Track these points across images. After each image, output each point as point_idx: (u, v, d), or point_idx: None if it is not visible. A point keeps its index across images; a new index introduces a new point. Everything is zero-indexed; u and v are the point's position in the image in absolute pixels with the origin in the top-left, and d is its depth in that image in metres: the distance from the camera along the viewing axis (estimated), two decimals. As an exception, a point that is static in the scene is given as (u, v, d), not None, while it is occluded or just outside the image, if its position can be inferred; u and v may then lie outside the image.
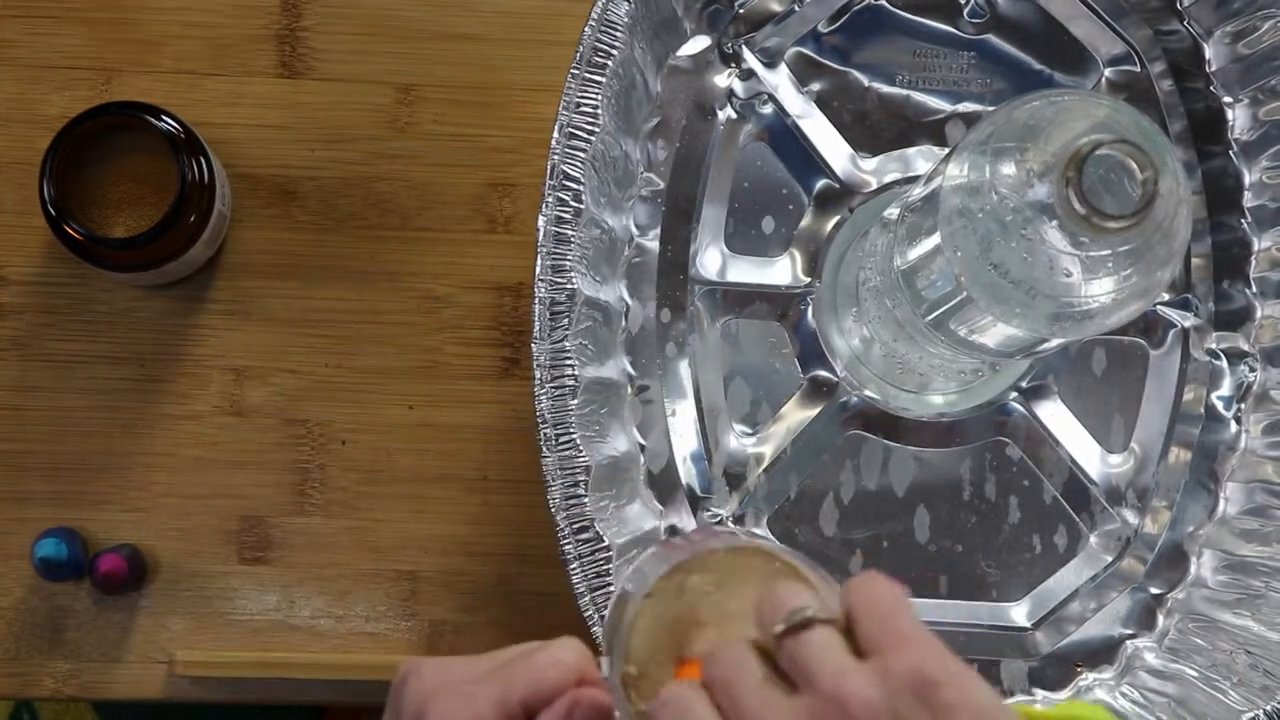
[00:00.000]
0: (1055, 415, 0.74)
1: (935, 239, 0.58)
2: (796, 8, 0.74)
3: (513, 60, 0.77)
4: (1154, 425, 0.75)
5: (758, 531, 0.73)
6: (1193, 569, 0.73)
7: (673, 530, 0.71)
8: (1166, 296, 0.75)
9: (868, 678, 0.41)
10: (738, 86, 0.74)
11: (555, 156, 0.65)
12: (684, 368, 0.73)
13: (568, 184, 0.65)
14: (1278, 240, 0.73)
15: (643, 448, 0.71)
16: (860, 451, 0.74)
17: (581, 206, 0.65)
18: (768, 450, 0.73)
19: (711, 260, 0.73)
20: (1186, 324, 0.75)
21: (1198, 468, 0.74)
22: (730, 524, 0.64)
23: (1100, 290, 0.56)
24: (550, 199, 0.65)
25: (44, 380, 0.75)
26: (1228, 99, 0.74)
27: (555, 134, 0.65)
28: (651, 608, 0.48)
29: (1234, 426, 0.74)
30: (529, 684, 0.48)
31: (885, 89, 0.75)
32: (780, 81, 0.74)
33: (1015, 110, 0.56)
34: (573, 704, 0.47)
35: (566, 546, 0.65)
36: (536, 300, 0.65)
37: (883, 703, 0.41)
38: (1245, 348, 0.74)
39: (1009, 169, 0.55)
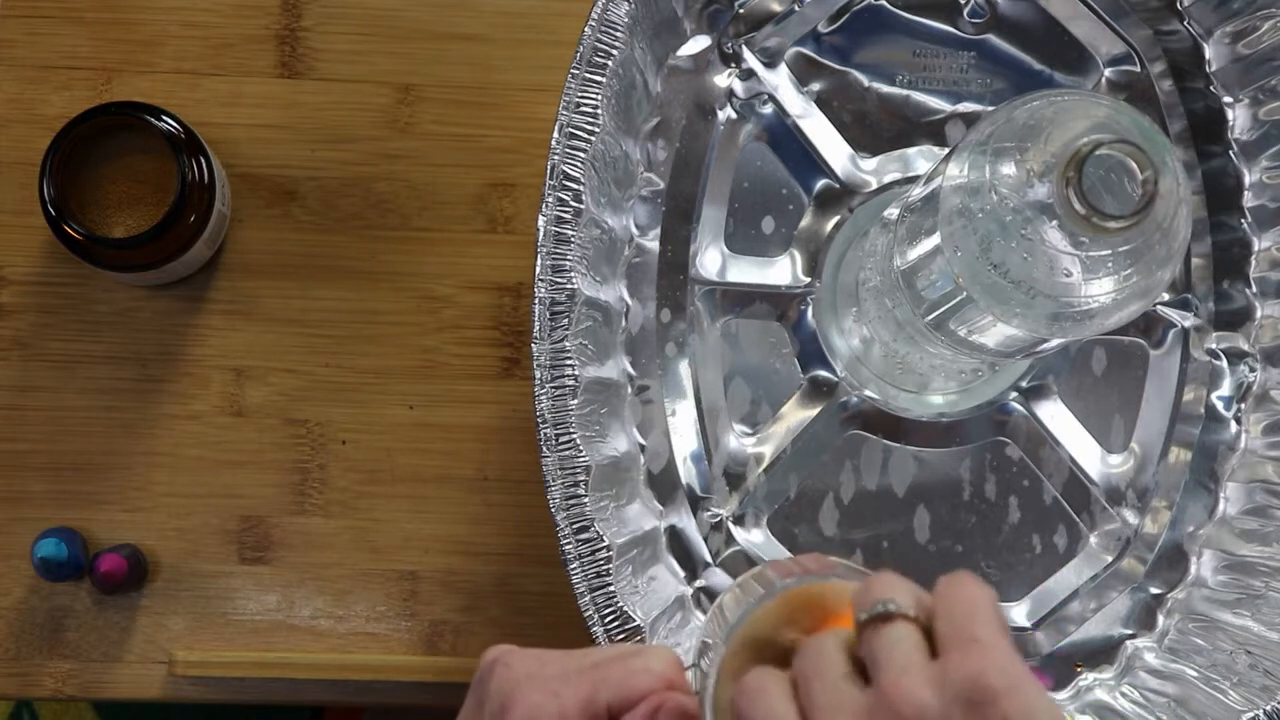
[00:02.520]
0: (1055, 415, 0.74)
1: (935, 239, 0.58)
2: (796, 8, 0.74)
3: (513, 60, 0.77)
4: (1154, 425, 0.75)
5: (756, 532, 0.73)
6: (1193, 569, 0.73)
7: (672, 530, 0.71)
8: (1166, 296, 0.75)
9: (927, 678, 0.41)
10: (738, 86, 0.74)
11: (555, 156, 0.65)
12: (684, 368, 0.73)
13: (568, 184, 0.65)
14: (1278, 240, 0.73)
15: (643, 448, 0.71)
16: (860, 451, 0.74)
17: (581, 206, 0.65)
18: (768, 450, 0.73)
19: (711, 260, 0.73)
20: (1186, 324, 0.75)
21: (1198, 468, 0.74)
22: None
23: (1100, 290, 0.56)
24: (550, 199, 0.65)
25: (44, 380, 0.75)
26: (1228, 99, 0.74)
27: (555, 134, 0.65)
28: (767, 610, 0.48)
29: (1234, 426, 0.74)
30: (617, 688, 0.47)
31: (885, 89, 0.75)
32: (780, 81, 0.74)
33: (1015, 110, 0.56)
34: (657, 707, 0.46)
35: (566, 546, 0.65)
36: (536, 300, 0.65)
37: (935, 705, 0.40)
38: (1245, 348, 0.74)
39: (1009, 169, 0.55)
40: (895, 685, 0.41)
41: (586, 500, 0.65)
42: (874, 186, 0.74)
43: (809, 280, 0.74)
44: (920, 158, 0.75)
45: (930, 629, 0.42)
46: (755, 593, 0.49)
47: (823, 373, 0.74)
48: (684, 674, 0.48)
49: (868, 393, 0.74)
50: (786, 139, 0.74)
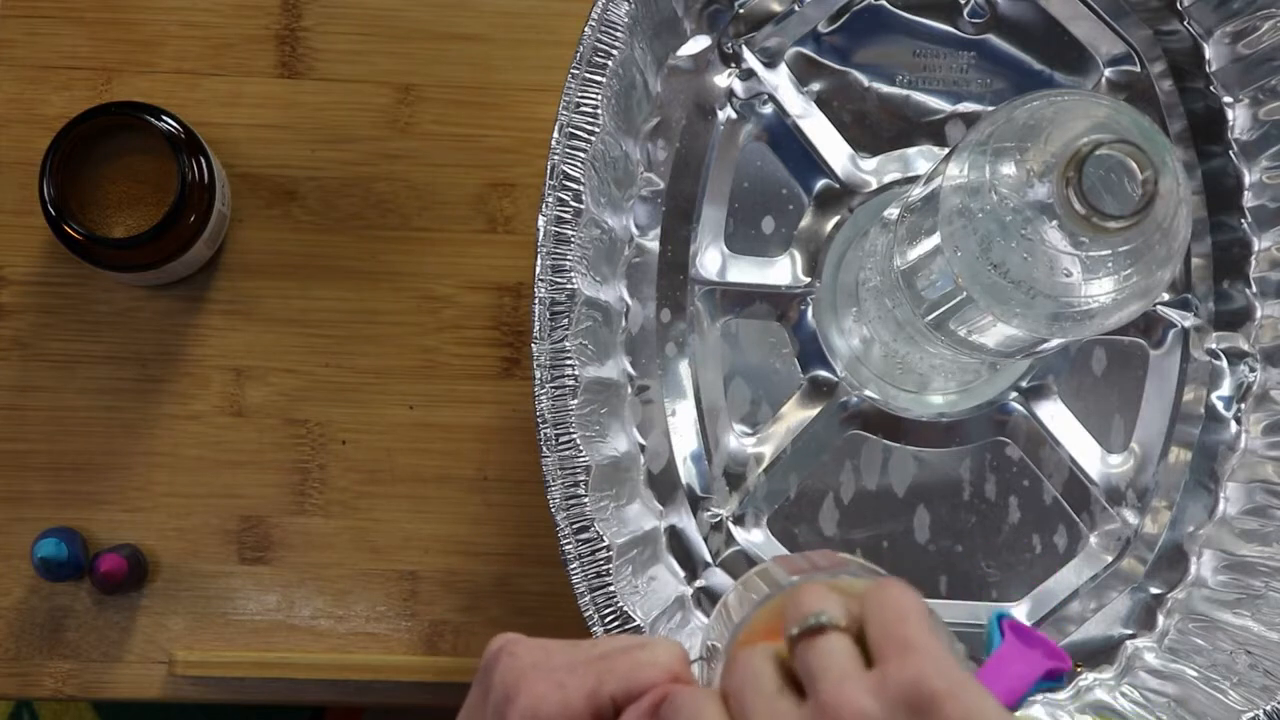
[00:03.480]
0: (1055, 415, 0.74)
1: (935, 239, 0.58)
2: (796, 8, 0.74)
3: (513, 60, 0.77)
4: (1154, 425, 0.75)
5: (756, 532, 0.73)
6: (1193, 569, 0.73)
7: (672, 530, 0.71)
8: (1166, 296, 0.75)
9: (866, 687, 0.40)
10: (738, 86, 0.74)
11: (555, 156, 0.65)
12: (684, 368, 0.73)
13: (568, 184, 0.65)
14: (1278, 240, 0.73)
15: (643, 448, 0.71)
16: (860, 451, 0.74)
17: (581, 206, 0.65)
18: (768, 450, 0.73)
19: (711, 260, 0.73)
20: (1186, 324, 0.75)
21: (1198, 468, 0.74)
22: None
23: (1100, 290, 0.56)
24: (550, 199, 0.65)
25: (44, 380, 0.75)
26: (1228, 99, 0.74)
27: (555, 134, 0.65)
28: (772, 609, 0.47)
29: (1234, 426, 0.74)
30: (623, 680, 0.46)
31: (885, 89, 0.75)
32: (780, 81, 0.74)
33: (1015, 110, 0.56)
34: (662, 698, 0.46)
35: (566, 546, 0.65)
36: (536, 300, 0.65)
37: (877, 712, 0.40)
38: (1245, 348, 0.74)
39: (1009, 169, 0.55)
40: (835, 696, 0.40)
41: (586, 500, 0.65)
42: (874, 186, 0.74)
43: (809, 280, 0.74)
44: (920, 158, 0.75)
45: (862, 639, 0.42)
46: (761, 590, 0.49)
47: (823, 373, 0.74)
48: (689, 667, 0.48)
49: (868, 393, 0.74)
50: (786, 139, 0.74)
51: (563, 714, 0.46)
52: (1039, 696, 0.73)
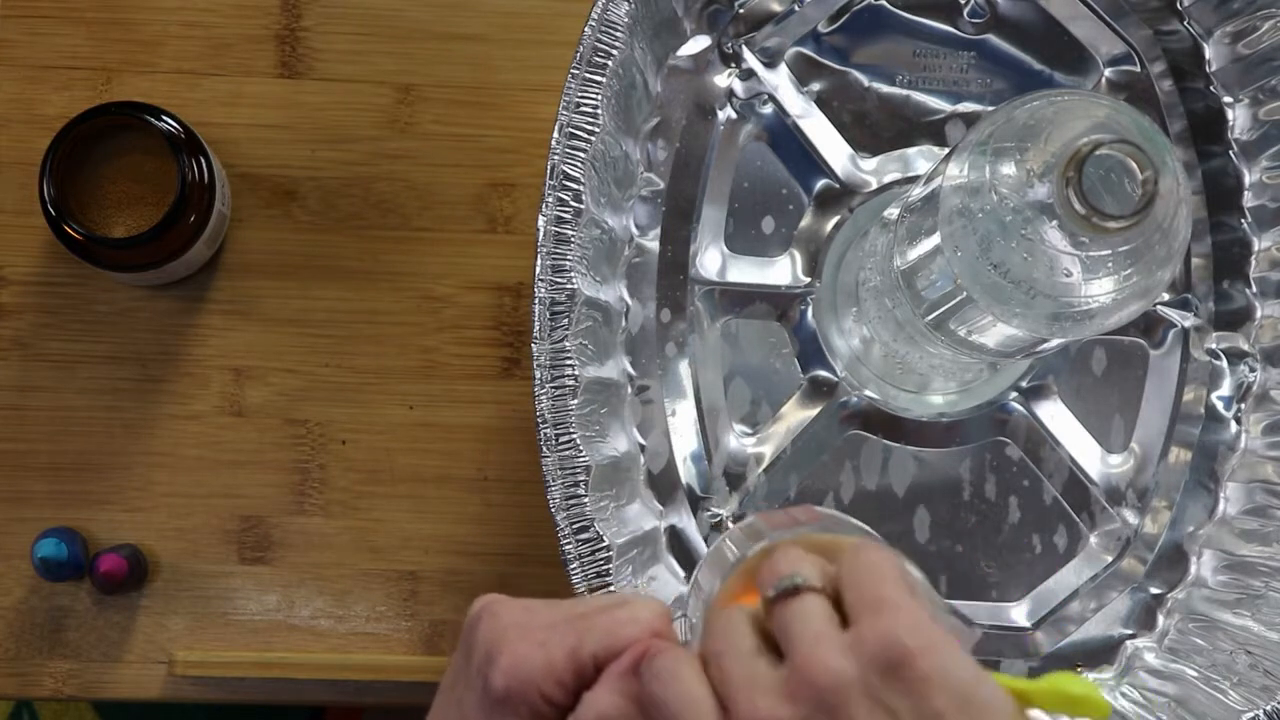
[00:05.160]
0: (1055, 415, 0.74)
1: (935, 239, 0.58)
2: (796, 8, 0.74)
3: (513, 60, 0.77)
4: (1154, 425, 0.75)
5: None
6: (1193, 569, 0.73)
7: (672, 530, 0.71)
8: (1166, 296, 0.75)
9: (840, 646, 0.41)
10: (738, 86, 0.74)
11: (555, 156, 0.65)
12: (684, 368, 0.73)
13: (568, 184, 0.65)
14: (1278, 240, 0.73)
15: (643, 448, 0.71)
16: (860, 451, 0.74)
17: (581, 206, 0.65)
18: (768, 450, 0.73)
19: (711, 260, 0.73)
20: (1186, 324, 0.75)
21: (1198, 468, 0.74)
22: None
23: (1100, 290, 0.56)
24: (550, 199, 0.65)
25: (44, 380, 0.75)
26: (1228, 99, 0.74)
27: (555, 134, 0.65)
28: (754, 563, 0.47)
29: (1234, 426, 0.74)
30: (603, 638, 0.46)
31: (885, 89, 0.75)
32: (780, 81, 0.74)
33: (1015, 110, 0.56)
34: (642, 653, 0.46)
35: (566, 546, 0.65)
36: (536, 300, 0.65)
37: (852, 673, 0.40)
38: (1245, 348, 0.74)
39: (1009, 169, 0.55)
40: (810, 656, 0.41)
41: (586, 500, 0.65)
42: (874, 186, 0.74)
43: (809, 280, 0.74)
44: (920, 158, 0.75)
45: (839, 601, 0.43)
46: (744, 545, 0.49)
47: (823, 373, 0.74)
48: (671, 624, 0.48)
49: (868, 393, 0.74)
50: (786, 139, 0.74)
51: (544, 673, 0.46)
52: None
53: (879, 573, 0.42)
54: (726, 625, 0.44)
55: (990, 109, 0.67)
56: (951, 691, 0.40)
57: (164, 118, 0.70)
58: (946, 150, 0.71)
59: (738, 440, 0.73)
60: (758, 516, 0.51)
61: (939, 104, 0.75)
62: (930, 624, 0.41)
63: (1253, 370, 0.74)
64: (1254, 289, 0.74)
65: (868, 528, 0.49)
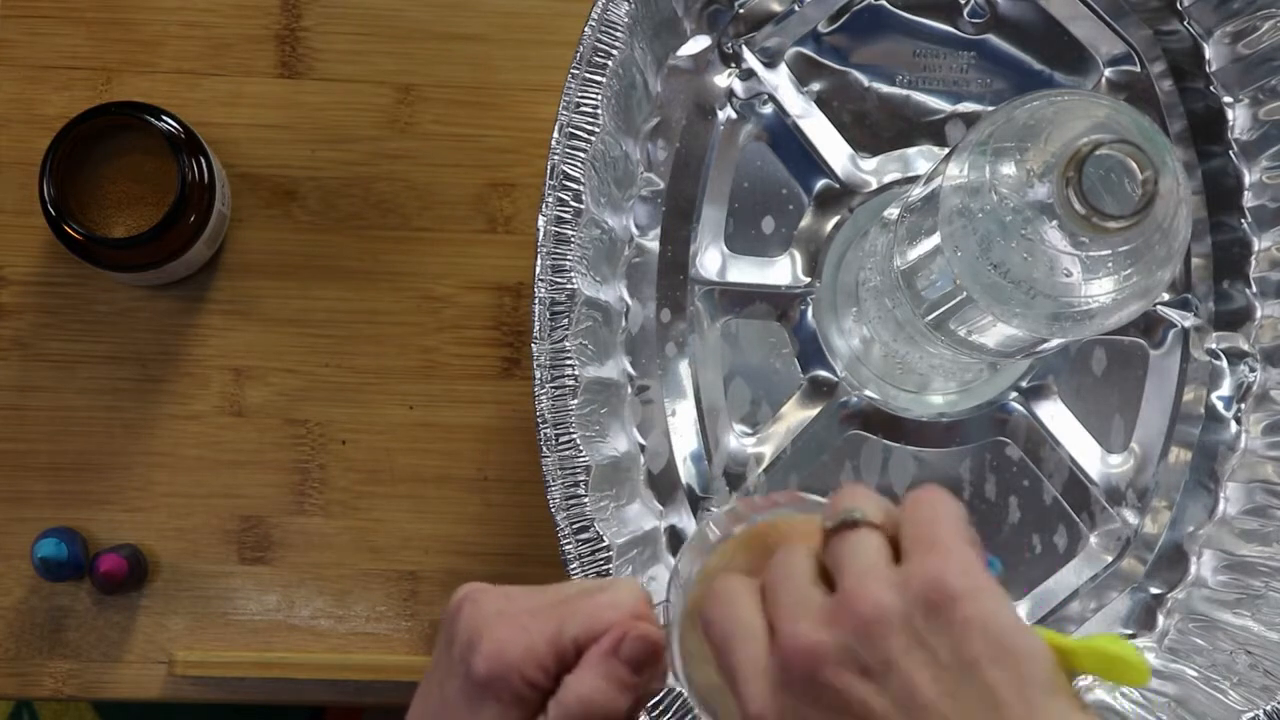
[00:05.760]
0: (1055, 415, 0.74)
1: (935, 239, 0.58)
2: (796, 8, 0.74)
3: (513, 60, 0.77)
4: (1154, 425, 0.75)
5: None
6: (1193, 569, 0.73)
7: (672, 530, 0.71)
8: (1166, 296, 0.75)
9: (889, 581, 0.41)
10: (738, 86, 0.74)
11: (555, 156, 0.65)
12: (684, 368, 0.73)
13: (568, 184, 0.65)
14: (1278, 240, 0.73)
15: (643, 448, 0.71)
16: (860, 451, 0.74)
17: (581, 206, 0.65)
18: (768, 450, 0.73)
19: (711, 260, 0.73)
20: (1186, 324, 0.75)
21: (1198, 468, 0.74)
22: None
23: (1100, 290, 0.56)
24: (550, 199, 0.65)
25: (44, 380, 0.75)
26: (1228, 99, 0.74)
27: (555, 134, 0.65)
28: (735, 543, 0.48)
29: (1234, 426, 0.74)
30: (584, 622, 0.47)
31: (885, 89, 0.75)
32: (780, 81, 0.74)
33: (1015, 110, 0.56)
34: (622, 636, 0.47)
35: (566, 546, 0.65)
36: (536, 300, 0.65)
37: (895, 607, 0.41)
38: (1245, 348, 0.74)
39: (1009, 169, 0.55)
40: (857, 587, 0.41)
41: (586, 500, 0.65)
42: (874, 186, 0.74)
43: (809, 280, 0.74)
44: (920, 158, 0.75)
45: (896, 539, 0.43)
46: (726, 528, 0.49)
47: (823, 373, 0.74)
48: (650, 608, 0.49)
49: (868, 393, 0.74)
50: (786, 139, 0.74)
51: (526, 658, 0.46)
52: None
53: (937, 514, 0.43)
54: (786, 557, 0.44)
55: (990, 109, 0.67)
56: (991, 638, 0.40)
57: (164, 118, 0.70)
58: (946, 150, 0.71)
59: (738, 440, 0.73)
60: (740, 501, 0.51)
61: (939, 104, 0.75)
62: (980, 570, 0.41)
63: (1253, 370, 0.74)
64: (1254, 289, 0.74)
65: None
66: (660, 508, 0.71)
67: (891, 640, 0.40)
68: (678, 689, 0.64)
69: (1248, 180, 0.74)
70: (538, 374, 0.65)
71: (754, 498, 0.51)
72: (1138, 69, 0.75)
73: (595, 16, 0.66)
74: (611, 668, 0.46)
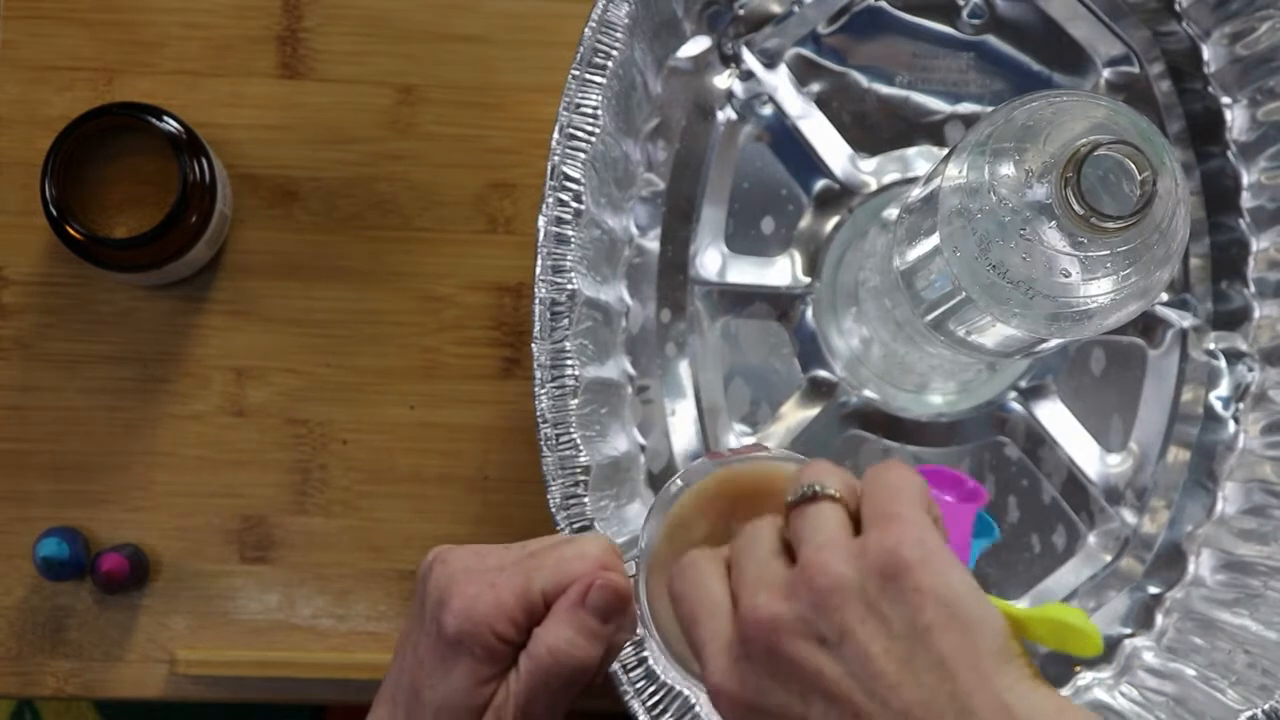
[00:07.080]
0: (1054, 415, 0.74)
1: (934, 239, 0.59)
2: (796, 9, 0.74)
3: (513, 61, 0.77)
4: (1152, 425, 0.75)
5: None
6: (1191, 568, 0.73)
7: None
8: (1165, 297, 0.75)
9: (846, 553, 0.42)
10: (737, 87, 0.74)
11: (555, 157, 0.66)
12: (684, 368, 0.73)
13: (568, 184, 0.66)
14: (1276, 240, 0.74)
15: (643, 448, 0.71)
16: (860, 451, 0.74)
17: (581, 207, 0.66)
18: (767, 450, 0.73)
19: (711, 260, 0.74)
20: (1185, 324, 0.75)
21: (1196, 467, 0.74)
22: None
23: (1099, 290, 0.56)
24: (550, 199, 0.65)
25: (46, 380, 0.75)
26: (1226, 100, 0.74)
27: (555, 134, 0.66)
28: (700, 490, 0.49)
29: (1232, 426, 0.74)
30: (552, 575, 0.48)
31: (885, 89, 0.75)
32: (780, 82, 0.74)
33: (1014, 111, 0.57)
34: (589, 586, 0.48)
35: (567, 546, 0.65)
36: (537, 300, 0.65)
37: (851, 578, 0.41)
38: (1243, 348, 0.75)
39: (1008, 170, 0.55)
40: (814, 558, 0.42)
41: (586, 500, 0.65)
42: (873, 187, 0.74)
43: (809, 280, 0.74)
44: (920, 158, 0.75)
45: (857, 512, 0.44)
46: (689, 480, 0.50)
47: (822, 373, 0.74)
48: (618, 558, 0.49)
49: (867, 393, 0.74)
50: (786, 139, 0.74)
51: (496, 612, 0.48)
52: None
53: (896, 487, 0.43)
54: (754, 530, 0.45)
55: (989, 109, 0.67)
56: (943, 606, 0.41)
57: (165, 118, 0.70)
58: (946, 151, 0.71)
59: (738, 440, 0.73)
60: (705, 456, 0.52)
61: (938, 104, 0.75)
62: (934, 540, 0.42)
63: (1251, 370, 0.74)
64: (1252, 289, 0.74)
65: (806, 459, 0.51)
66: (660, 507, 0.71)
67: (847, 610, 0.41)
68: (678, 689, 0.64)
69: (1246, 181, 0.74)
70: (538, 374, 0.65)
71: (720, 450, 0.52)
72: (1136, 70, 0.75)
73: (595, 18, 0.66)
74: (580, 618, 0.47)
